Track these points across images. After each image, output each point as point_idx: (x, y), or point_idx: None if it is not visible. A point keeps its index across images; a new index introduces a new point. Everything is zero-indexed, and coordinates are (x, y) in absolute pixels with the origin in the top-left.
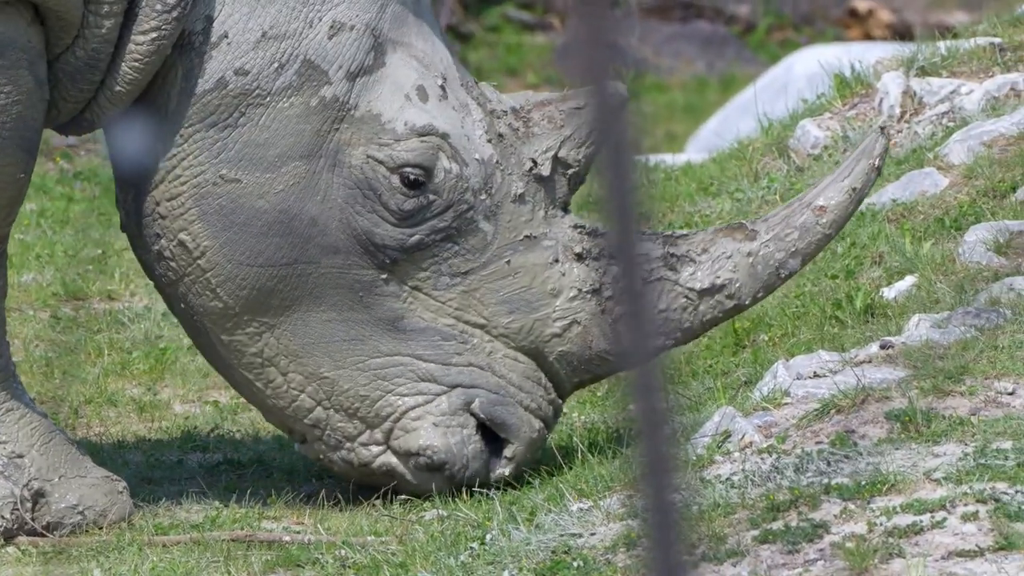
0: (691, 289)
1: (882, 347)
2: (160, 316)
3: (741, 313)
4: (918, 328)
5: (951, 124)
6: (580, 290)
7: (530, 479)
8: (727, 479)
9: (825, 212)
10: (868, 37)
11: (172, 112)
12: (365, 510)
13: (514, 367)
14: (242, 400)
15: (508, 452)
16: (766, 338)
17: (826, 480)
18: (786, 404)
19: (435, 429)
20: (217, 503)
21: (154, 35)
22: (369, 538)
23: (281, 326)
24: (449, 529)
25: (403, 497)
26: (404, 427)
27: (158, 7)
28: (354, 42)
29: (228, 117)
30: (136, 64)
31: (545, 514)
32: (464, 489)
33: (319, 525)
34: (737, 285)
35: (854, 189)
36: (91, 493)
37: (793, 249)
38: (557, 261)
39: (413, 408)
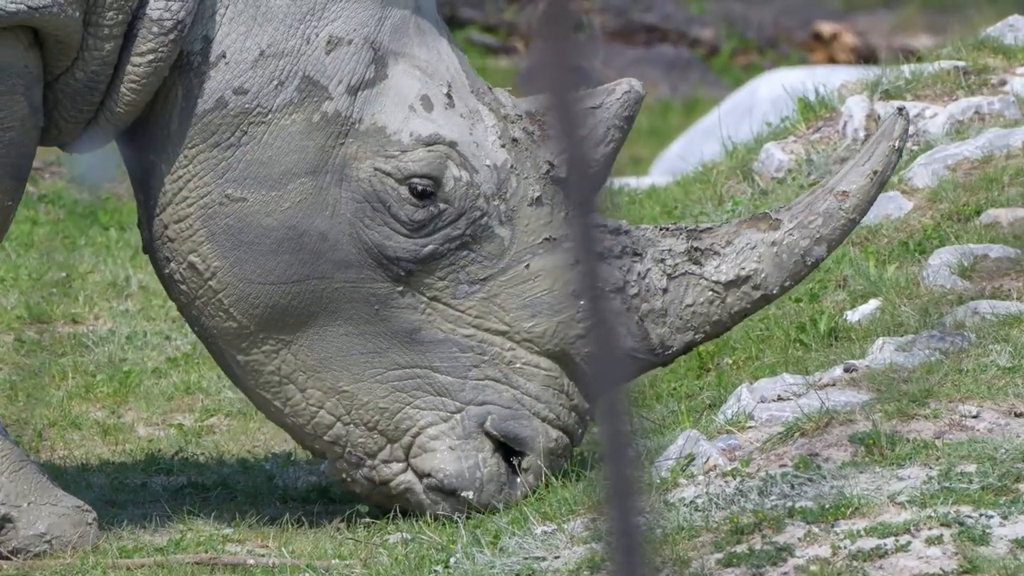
0: (717, 282)
1: (846, 370)
2: (124, 339)
3: (771, 303)
4: (882, 351)
5: (915, 147)
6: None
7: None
8: (691, 502)
9: (848, 197)
10: (832, 61)
11: (174, 133)
12: (329, 533)
13: (534, 375)
14: (206, 423)
15: (524, 464)
16: (730, 361)
17: (790, 503)
18: (750, 427)
19: (450, 453)
20: (181, 526)
21: (151, 57)
22: (333, 561)
23: (297, 342)
24: (413, 552)
25: (367, 520)
26: (422, 445)
27: (155, 29)
28: (353, 56)
29: (231, 136)
30: (134, 86)
31: (509, 537)
32: (429, 513)
33: (283, 548)
34: (763, 275)
35: (875, 172)
36: (60, 523)
37: (818, 236)
38: (578, 262)
39: (431, 425)
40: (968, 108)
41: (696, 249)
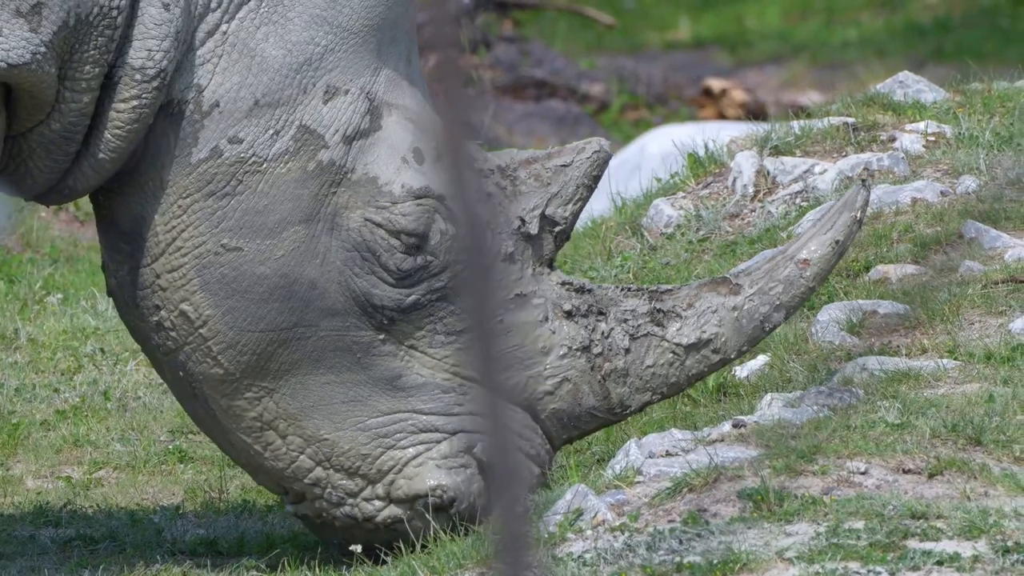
0: (678, 344)
1: (735, 426)
2: (12, 392)
3: (726, 366)
4: (771, 407)
5: (804, 203)
6: (570, 348)
7: (384, 555)
8: (579, 557)
9: (809, 265)
10: (722, 117)
11: (167, 183)
12: None
13: (513, 416)
14: (95, 476)
15: None
16: None
17: (678, 559)
18: (639, 482)
19: (439, 470)
20: None
21: (134, 103)
22: None
23: (280, 390)
24: None
25: (255, 573)
26: (406, 475)
27: (138, 77)
28: (350, 105)
29: (226, 186)
30: (118, 132)
31: None
32: (318, 564)
33: None
34: (723, 339)
35: (837, 242)
36: None
37: (777, 303)
38: (547, 319)
39: (415, 457)
40: (857, 164)
41: (659, 311)
